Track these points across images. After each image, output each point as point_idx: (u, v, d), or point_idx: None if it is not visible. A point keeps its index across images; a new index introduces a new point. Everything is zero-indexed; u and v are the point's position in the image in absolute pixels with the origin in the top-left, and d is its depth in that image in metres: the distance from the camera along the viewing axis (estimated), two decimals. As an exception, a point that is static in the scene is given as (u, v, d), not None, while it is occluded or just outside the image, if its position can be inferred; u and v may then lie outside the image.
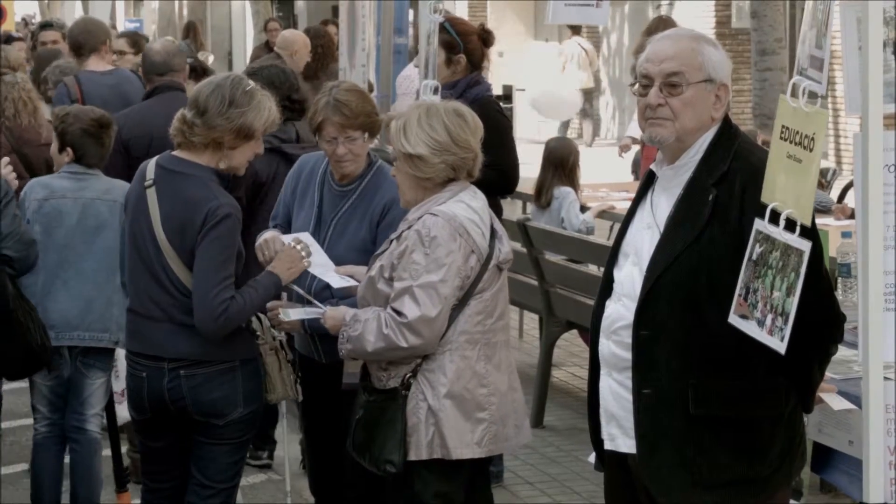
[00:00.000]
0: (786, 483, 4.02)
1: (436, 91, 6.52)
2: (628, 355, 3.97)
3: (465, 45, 7.06)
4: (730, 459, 3.91)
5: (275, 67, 7.06)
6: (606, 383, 4.07)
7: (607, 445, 4.10)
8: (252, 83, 5.14)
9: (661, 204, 4.01)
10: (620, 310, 4.00)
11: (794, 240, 3.48)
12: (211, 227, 4.95)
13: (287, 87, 6.81)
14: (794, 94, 3.54)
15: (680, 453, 3.91)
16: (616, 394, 4.03)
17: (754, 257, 3.61)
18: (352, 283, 5.12)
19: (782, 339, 3.52)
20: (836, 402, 4.12)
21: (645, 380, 3.93)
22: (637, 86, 4.01)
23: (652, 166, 4.13)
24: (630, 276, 4.01)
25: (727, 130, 4.00)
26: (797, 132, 3.53)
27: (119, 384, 6.22)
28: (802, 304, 3.48)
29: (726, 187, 3.88)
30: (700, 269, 3.87)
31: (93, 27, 9.05)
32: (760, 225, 3.60)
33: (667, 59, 3.97)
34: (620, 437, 4.03)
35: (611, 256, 4.13)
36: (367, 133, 5.31)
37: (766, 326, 3.57)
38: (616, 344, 4.01)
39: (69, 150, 6.17)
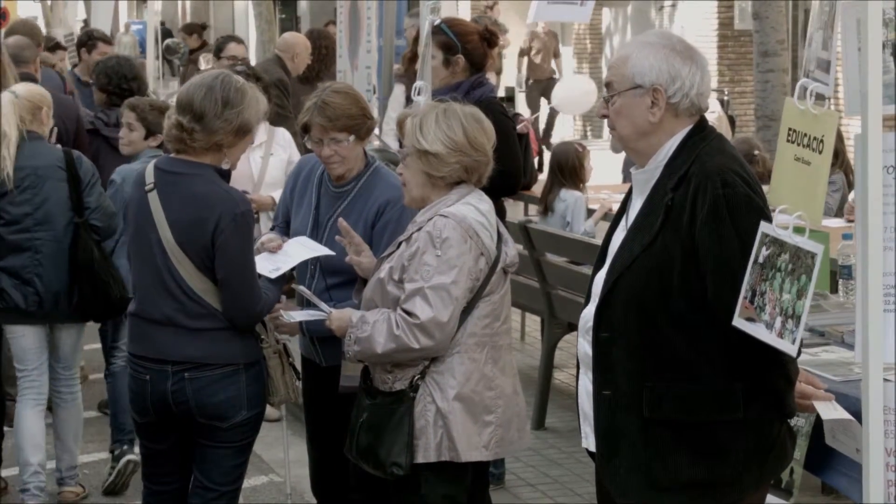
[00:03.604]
0: (754, 487, 3.99)
1: (419, 93, 6.52)
2: None
3: (464, 46, 6.94)
4: (687, 463, 3.89)
5: (122, 57, 8.25)
6: (582, 382, 4.10)
7: (583, 443, 4.14)
8: (241, 79, 5.15)
9: (635, 207, 4.02)
10: (591, 311, 4.02)
11: (806, 242, 3.47)
12: (236, 228, 4.96)
13: (119, 76, 8.21)
14: (800, 97, 3.53)
15: (637, 455, 3.92)
16: (589, 393, 4.05)
17: (760, 260, 3.59)
18: (284, 268, 5.20)
19: (793, 342, 3.50)
20: (827, 412, 4.08)
21: (604, 381, 3.95)
22: None
23: (631, 169, 4.15)
24: (602, 279, 4.02)
25: (697, 133, 3.96)
26: (805, 134, 3.52)
27: None
28: None
29: (682, 192, 3.86)
30: (653, 273, 3.86)
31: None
32: (767, 228, 3.58)
33: (608, 68, 4.04)
34: (591, 436, 4.06)
35: (597, 259, 4.14)
36: (353, 135, 5.30)
37: (775, 329, 3.55)
38: (588, 344, 4.03)
39: (157, 136, 7.10)
